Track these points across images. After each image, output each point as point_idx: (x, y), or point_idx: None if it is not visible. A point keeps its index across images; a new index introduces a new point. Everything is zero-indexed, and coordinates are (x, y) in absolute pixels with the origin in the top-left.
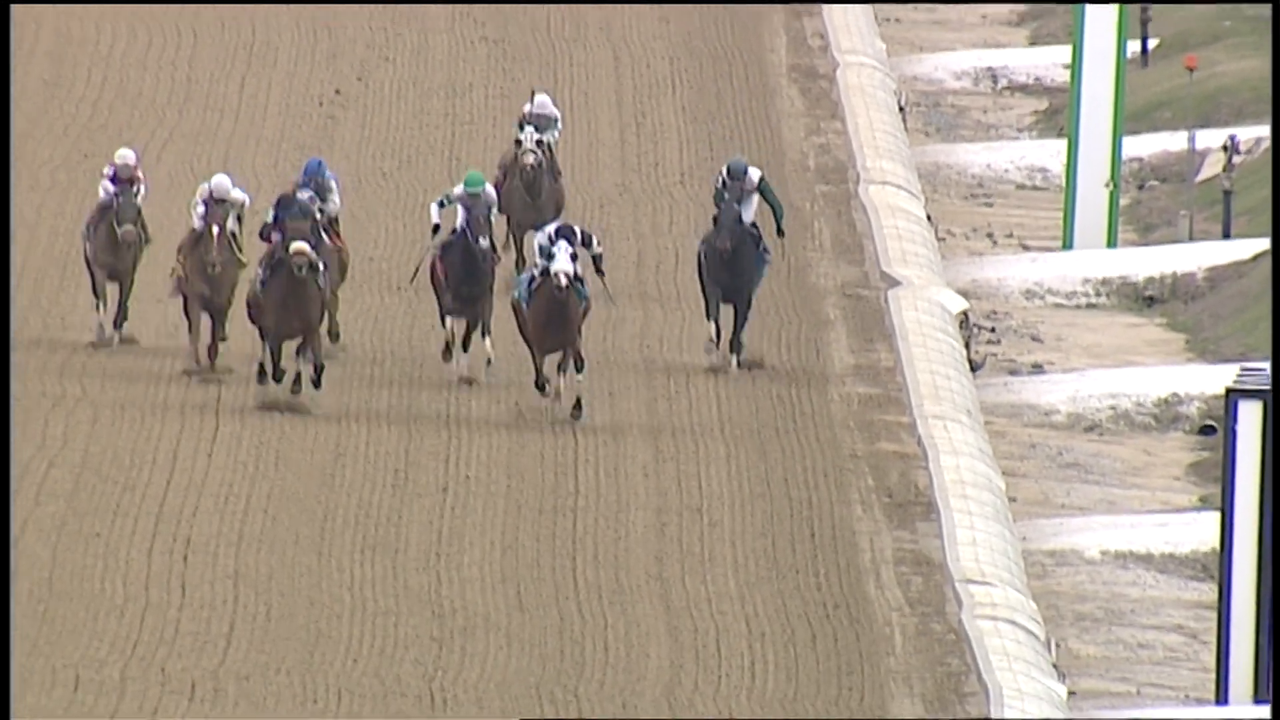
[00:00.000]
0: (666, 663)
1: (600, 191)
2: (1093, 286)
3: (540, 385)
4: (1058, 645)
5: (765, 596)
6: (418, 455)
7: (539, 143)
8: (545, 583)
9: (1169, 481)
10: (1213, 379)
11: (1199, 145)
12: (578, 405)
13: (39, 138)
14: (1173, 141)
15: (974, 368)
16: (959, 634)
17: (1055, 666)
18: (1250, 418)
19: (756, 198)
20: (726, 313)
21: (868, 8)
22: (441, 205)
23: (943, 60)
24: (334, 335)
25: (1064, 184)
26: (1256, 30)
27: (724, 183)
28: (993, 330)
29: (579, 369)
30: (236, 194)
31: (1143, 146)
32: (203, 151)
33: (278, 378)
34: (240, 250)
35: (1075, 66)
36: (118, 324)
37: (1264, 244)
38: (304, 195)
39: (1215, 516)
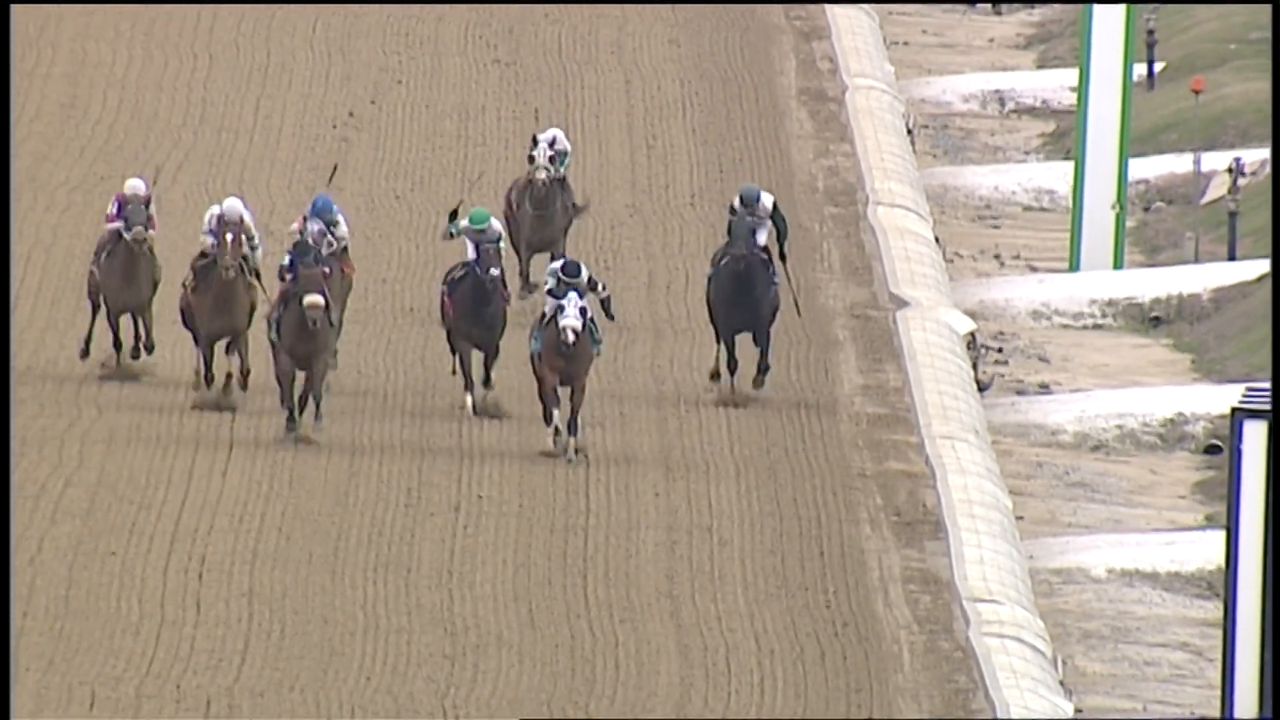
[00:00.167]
0: (677, 679)
1: (611, 212)
2: (1099, 307)
3: (547, 417)
4: (1064, 662)
5: (775, 614)
6: (430, 474)
7: (552, 159)
8: (557, 600)
9: (1174, 500)
10: (1218, 399)
11: (1205, 167)
12: (572, 424)
13: (55, 159)
14: (1179, 164)
15: (981, 388)
16: (966, 651)
17: (1062, 684)
18: (1255, 437)
19: (768, 225)
20: (740, 342)
21: (877, 32)
22: (450, 236)
23: (951, 83)
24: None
25: (1071, 206)
26: (1262, 54)
27: (735, 212)
28: (1000, 351)
29: (578, 403)
30: (248, 220)
31: (1149, 169)
32: (217, 173)
33: (292, 413)
34: (250, 271)
35: (1082, 89)
36: (135, 354)
37: (1269, 265)
38: (314, 226)
39: (1220, 535)
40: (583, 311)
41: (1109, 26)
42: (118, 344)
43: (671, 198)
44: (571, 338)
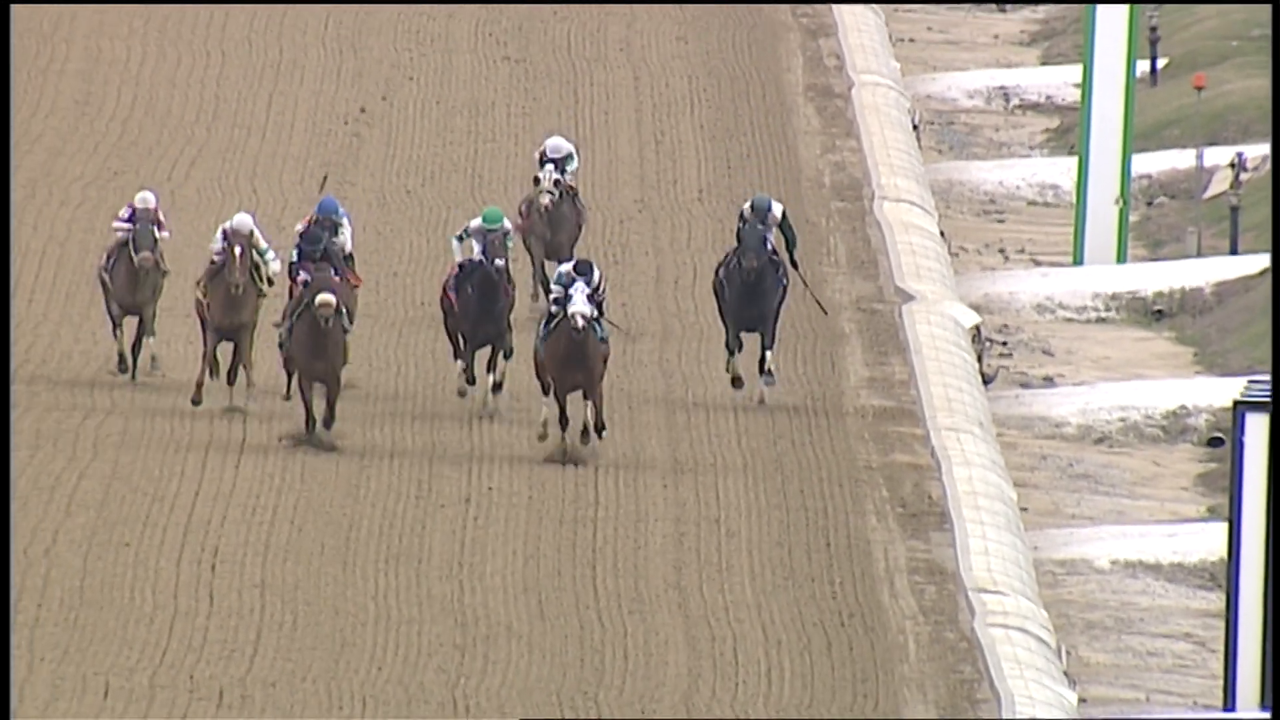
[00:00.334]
0: (685, 670)
1: (620, 208)
2: (1102, 301)
3: (563, 422)
4: (1068, 653)
5: (782, 605)
6: (440, 467)
7: (557, 182)
8: (566, 591)
9: (1177, 492)
10: (1220, 392)
11: (1207, 162)
12: (585, 431)
13: (70, 155)
14: (1181, 159)
15: (986, 381)
16: (971, 642)
17: (1066, 674)
18: (1257, 430)
19: (776, 233)
20: (748, 342)
21: (883, 29)
22: (460, 239)
23: (956, 80)
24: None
25: (1074, 200)
26: (1263, 50)
27: (745, 220)
28: (1004, 344)
29: (597, 406)
30: (257, 234)
31: (1152, 164)
32: (230, 168)
33: (310, 422)
34: (261, 279)
35: (1085, 85)
36: (135, 354)
37: (1270, 259)
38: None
39: (1223, 526)
40: (590, 300)
41: (1112, 24)
42: (123, 355)
43: (679, 193)
44: (580, 323)
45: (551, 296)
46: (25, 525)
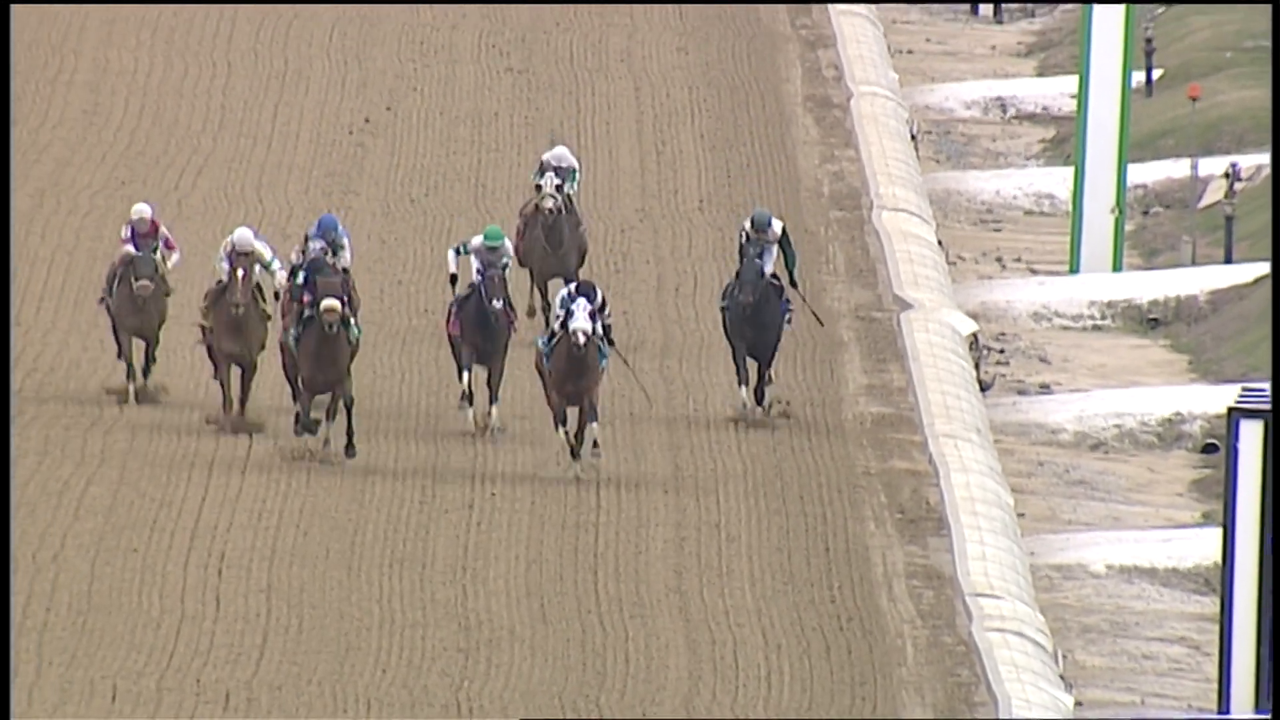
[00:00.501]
0: (685, 673)
1: (621, 217)
2: (1098, 309)
3: (560, 428)
4: (1064, 656)
5: (781, 609)
6: (444, 472)
7: (559, 187)
8: (568, 596)
9: (1172, 498)
10: (1215, 399)
11: (1201, 172)
12: (596, 444)
13: (78, 165)
14: (1176, 169)
15: (983, 388)
16: (969, 645)
17: (1062, 677)
18: (1251, 436)
19: (776, 248)
20: (752, 364)
21: (881, 40)
22: (458, 253)
23: (953, 90)
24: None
25: (1070, 210)
26: (1257, 61)
27: (747, 235)
28: (1001, 351)
29: (593, 418)
30: (260, 246)
31: (1147, 173)
32: (236, 178)
33: (312, 429)
34: (265, 301)
35: (1081, 96)
36: (146, 374)
37: (1265, 268)
38: (315, 246)
39: (1217, 532)
40: (592, 317)
41: (1108, 34)
42: (130, 372)
43: (680, 203)
44: (582, 339)
45: (555, 316)
46: (34, 531)
